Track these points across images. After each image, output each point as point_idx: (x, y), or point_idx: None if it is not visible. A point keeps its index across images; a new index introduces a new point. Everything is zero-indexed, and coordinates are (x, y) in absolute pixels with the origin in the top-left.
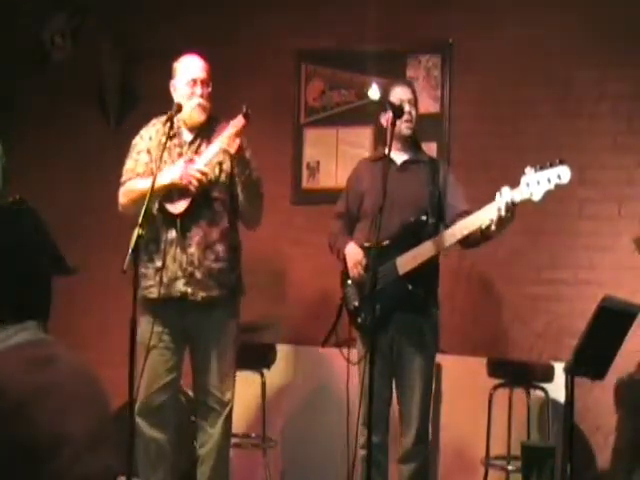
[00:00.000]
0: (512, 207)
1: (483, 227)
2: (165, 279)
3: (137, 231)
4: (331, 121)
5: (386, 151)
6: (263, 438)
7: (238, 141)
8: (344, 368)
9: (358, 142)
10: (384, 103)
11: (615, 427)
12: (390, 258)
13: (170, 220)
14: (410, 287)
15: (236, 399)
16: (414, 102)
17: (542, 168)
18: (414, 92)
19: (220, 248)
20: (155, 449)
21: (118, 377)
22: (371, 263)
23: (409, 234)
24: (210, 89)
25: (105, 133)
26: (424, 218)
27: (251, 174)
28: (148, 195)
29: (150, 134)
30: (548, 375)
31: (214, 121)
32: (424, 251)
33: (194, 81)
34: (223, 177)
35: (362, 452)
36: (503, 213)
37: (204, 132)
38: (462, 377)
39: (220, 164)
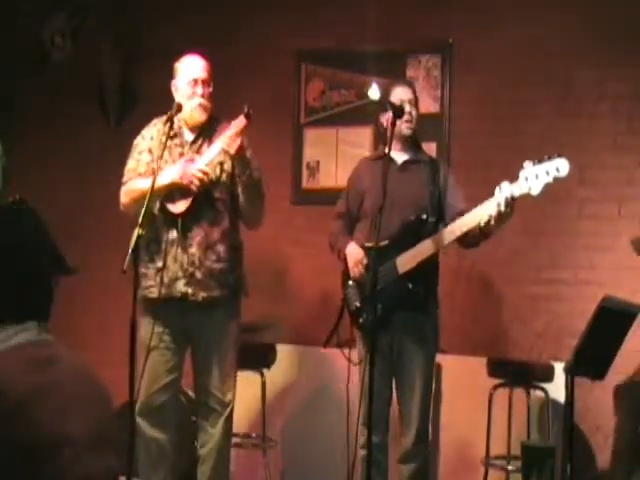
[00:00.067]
0: (511, 202)
1: (482, 224)
2: (166, 279)
3: (137, 231)
4: (331, 121)
5: (386, 151)
6: (263, 438)
7: (238, 141)
8: (344, 368)
9: (358, 142)
10: (384, 103)
11: (615, 427)
12: (390, 258)
13: (171, 220)
14: (410, 286)
15: (236, 399)
16: (415, 102)
17: (540, 162)
18: (415, 92)
19: (221, 248)
20: (156, 449)
21: (118, 377)
22: (371, 263)
23: (409, 233)
24: (211, 89)
25: (105, 133)
26: (424, 217)
27: (252, 174)
28: (148, 195)
29: (151, 134)
30: (548, 375)
31: (215, 121)
32: (423, 250)
33: (195, 81)
34: (224, 177)
35: (362, 452)
36: (502, 208)
37: (205, 132)
38: (462, 377)
39: (221, 164)
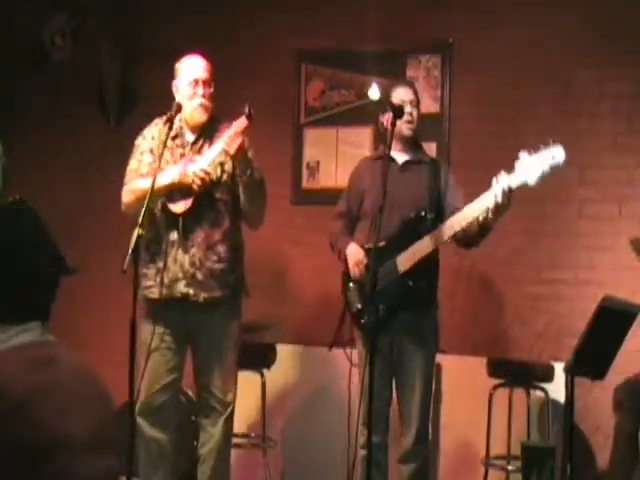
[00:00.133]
0: (509, 193)
1: (481, 219)
2: (166, 280)
3: (137, 231)
4: (331, 121)
5: (386, 151)
6: (263, 438)
7: (239, 141)
8: (345, 368)
9: (358, 142)
10: (384, 103)
11: (615, 427)
12: (391, 257)
13: (172, 220)
14: (411, 283)
15: (236, 399)
16: (416, 103)
17: (536, 151)
18: (416, 93)
19: (222, 249)
20: (156, 449)
21: (118, 377)
22: (371, 264)
23: (408, 230)
24: (212, 89)
25: (105, 133)
26: (423, 214)
27: (253, 174)
28: (148, 195)
29: (153, 134)
30: (548, 375)
31: (216, 121)
32: (423, 247)
33: (196, 81)
34: (225, 177)
35: (362, 452)
36: (500, 200)
37: (206, 132)
38: (462, 377)
39: (222, 164)
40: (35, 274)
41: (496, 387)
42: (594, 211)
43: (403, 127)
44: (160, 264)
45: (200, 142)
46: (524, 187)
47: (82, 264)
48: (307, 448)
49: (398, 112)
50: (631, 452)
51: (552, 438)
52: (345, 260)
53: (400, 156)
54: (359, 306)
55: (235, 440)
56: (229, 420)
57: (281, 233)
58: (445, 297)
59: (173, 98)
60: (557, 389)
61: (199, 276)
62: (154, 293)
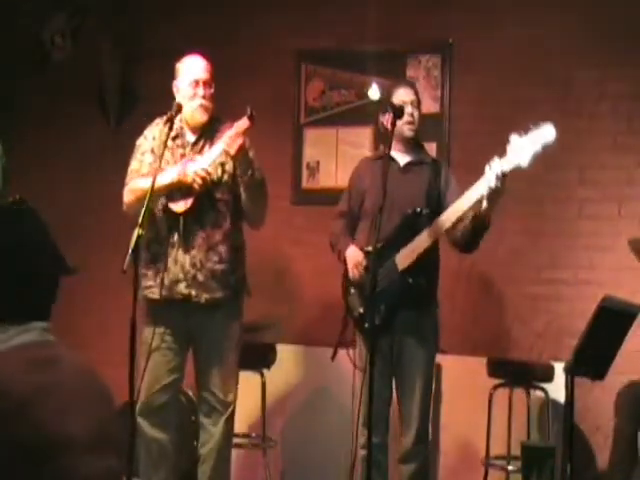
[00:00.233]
0: (502, 178)
1: (476, 209)
2: (166, 281)
3: (137, 231)
4: (331, 121)
5: (386, 152)
6: (263, 438)
7: (239, 142)
8: (345, 368)
9: (358, 142)
10: (384, 103)
11: (615, 427)
12: (390, 257)
13: (173, 220)
14: (410, 280)
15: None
16: (417, 104)
17: (526, 132)
18: (417, 93)
19: (223, 249)
20: (157, 449)
21: (118, 377)
22: (371, 265)
23: (406, 228)
24: (213, 90)
25: (105, 133)
26: (418, 210)
27: (254, 174)
28: (148, 195)
29: (154, 134)
30: (548, 375)
31: (217, 121)
32: (421, 242)
33: (196, 82)
34: (226, 177)
35: (362, 452)
36: (493, 184)
37: (207, 133)
38: (462, 377)
39: (223, 165)
40: (35, 274)
41: (496, 387)
42: (594, 211)
43: (404, 128)
44: (160, 264)
45: (201, 143)
46: (518, 170)
47: (82, 264)
48: (307, 448)
49: (398, 112)
50: (630, 453)
51: (552, 438)
52: (344, 261)
53: (402, 157)
54: (361, 310)
55: (235, 440)
56: (230, 420)
57: (281, 233)
58: (445, 297)
59: (173, 98)
60: (557, 389)
61: (200, 277)
62: (154, 293)
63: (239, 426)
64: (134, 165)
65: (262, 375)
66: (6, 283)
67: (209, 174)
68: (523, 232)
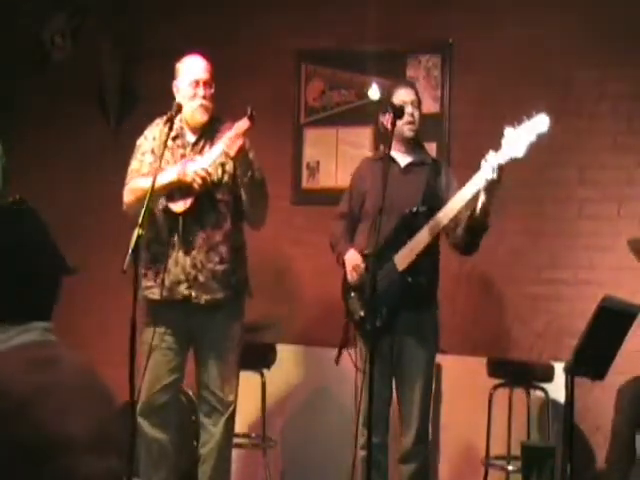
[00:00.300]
0: (499, 171)
1: (472, 197)
2: (167, 282)
3: (137, 231)
4: (331, 121)
5: (386, 153)
6: (263, 438)
7: (239, 143)
8: (345, 368)
9: (358, 142)
10: (384, 104)
11: (614, 427)
12: (389, 259)
13: (173, 221)
14: (410, 279)
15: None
16: (417, 104)
17: (520, 123)
18: (417, 94)
19: (223, 250)
20: (157, 449)
21: (118, 377)
22: (371, 267)
23: (404, 228)
24: (213, 90)
25: (105, 133)
26: (415, 209)
27: (254, 175)
28: (148, 195)
29: (154, 134)
30: (548, 375)
31: (217, 122)
32: (420, 240)
33: (196, 82)
34: (226, 178)
35: (362, 452)
36: (489, 176)
37: (207, 133)
38: (462, 377)
39: (223, 165)
40: (35, 274)
41: (496, 387)
42: (594, 211)
43: (404, 128)
44: (161, 265)
45: (201, 143)
46: (514, 161)
47: (82, 264)
48: (307, 448)
49: (398, 112)
50: (628, 453)
51: (552, 438)
52: (343, 264)
53: (403, 158)
54: (362, 314)
55: (235, 440)
56: (230, 420)
57: (281, 233)
58: (445, 297)
59: (173, 98)
60: (557, 389)
61: (201, 278)
62: (155, 294)
63: (239, 426)
64: (134, 165)
65: (262, 375)
66: (6, 283)
67: (209, 174)
68: (523, 232)
